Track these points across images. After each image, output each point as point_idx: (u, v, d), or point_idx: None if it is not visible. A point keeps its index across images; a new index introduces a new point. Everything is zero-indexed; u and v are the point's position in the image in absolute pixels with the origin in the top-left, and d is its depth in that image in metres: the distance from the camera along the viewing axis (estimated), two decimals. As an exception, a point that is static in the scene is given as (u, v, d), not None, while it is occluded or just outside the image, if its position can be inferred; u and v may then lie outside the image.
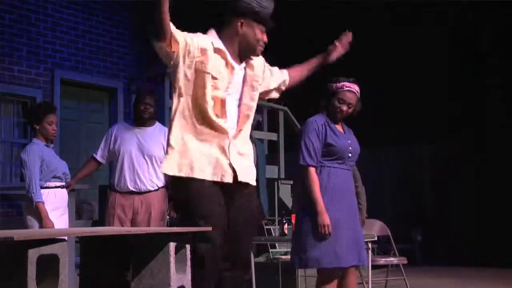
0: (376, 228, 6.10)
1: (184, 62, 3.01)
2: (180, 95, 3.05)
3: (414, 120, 10.35)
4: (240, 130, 3.14)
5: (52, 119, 4.94)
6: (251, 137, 3.60)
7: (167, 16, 2.85)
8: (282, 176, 8.46)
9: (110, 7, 8.83)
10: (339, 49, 3.51)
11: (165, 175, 3.21)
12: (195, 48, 3.01)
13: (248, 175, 3.16)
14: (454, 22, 10.25)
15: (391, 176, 11.18)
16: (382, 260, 6.04)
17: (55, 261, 2.39)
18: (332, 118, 4.05)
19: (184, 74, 3.02)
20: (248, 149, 3.21)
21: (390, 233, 6.19)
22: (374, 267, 6.26)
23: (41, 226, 4.66)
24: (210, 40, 3.09)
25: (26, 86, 7.76)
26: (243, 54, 3.16)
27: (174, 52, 2.97)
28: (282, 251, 7.06)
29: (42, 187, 4.78)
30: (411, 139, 10.63)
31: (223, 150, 3.06)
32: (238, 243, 3.07)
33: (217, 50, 3.07)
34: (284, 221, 5.32)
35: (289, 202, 8.05)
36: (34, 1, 7.95)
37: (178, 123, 3.06)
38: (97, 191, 6.68)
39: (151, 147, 5.12)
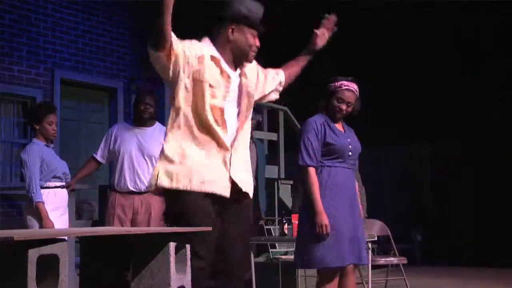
0: (376, 228, 6.10)
1: (184, 72, 2.98)
2: (178, 107, 3.01)
3: (414, 120, 10.35)
4: (239, 138, 3.10)
5: (52, 119, 4.94)
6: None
7: (169, 27, 2.84)
8: (282, 176, 8.45)
9: (110, 7, 8.82)
10: (323, 35, 3.43)
11: (157, 185, 2.98)
12: (193, 58, 2.98)
13: (248, 185, 3.12)
14: (454, 22, 10.25)
15: (391, 176, 11.18)
16: (382, 260, 6.04)
17: (55, 261, 2.38)
18: (332, 117, 4.05)
19: (184, 85, 2.99)
20: (248, 154, 3.18)
21: (390, 233, 6.18)
22: (374, 267, 6.26)
23: (41, 226, 4.67)
24: (205, 48, 3.06)
25: (26, 86, 7.75)
26: (237, 61, 3.13)
27: (171, 64, 2.95)
28: (282, 251, 7.05)
29: (42, 187, 4.78)
30: (411, 139, 10.63)
31: (224, 162, 3.02)
32: (231, 254, 3.05)
33: (212, 58, 3.04)
34: (284, 221, 5.31)
35: (289, 202, 8.04)
36: (34, 1, 7.94)
37: (176, 134, 3.03)
38: (97, 191, 6.69)
39: (151, 147, 5.12)
